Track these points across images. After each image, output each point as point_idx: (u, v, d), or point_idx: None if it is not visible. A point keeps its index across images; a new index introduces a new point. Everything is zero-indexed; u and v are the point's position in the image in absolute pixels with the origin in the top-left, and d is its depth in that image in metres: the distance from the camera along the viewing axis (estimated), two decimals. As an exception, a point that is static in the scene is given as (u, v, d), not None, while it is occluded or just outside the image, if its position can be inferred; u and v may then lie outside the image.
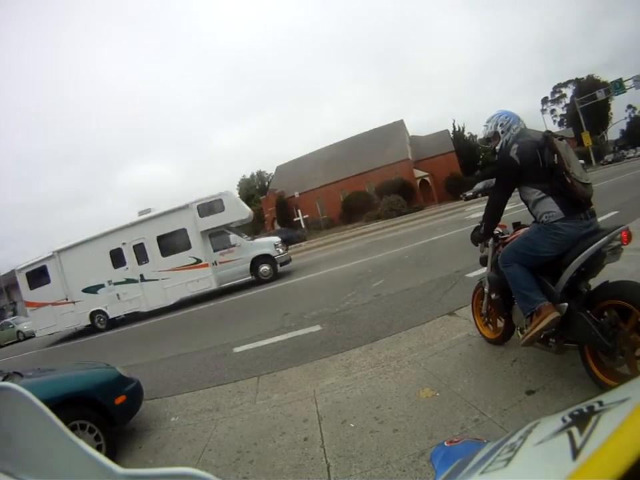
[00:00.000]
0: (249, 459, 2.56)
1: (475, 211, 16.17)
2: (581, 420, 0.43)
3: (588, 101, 38.07)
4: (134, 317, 11.93)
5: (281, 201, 40.60)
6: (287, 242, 16.70)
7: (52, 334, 12.62)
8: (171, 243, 11.62)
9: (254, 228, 46.74)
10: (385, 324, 4.63)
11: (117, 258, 11.72)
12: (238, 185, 63.64)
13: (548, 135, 2.39)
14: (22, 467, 0.68)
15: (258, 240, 13.33)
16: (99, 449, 2.82)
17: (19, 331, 21.37)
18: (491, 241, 2.98)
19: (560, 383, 2.47)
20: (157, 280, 11.51)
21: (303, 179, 40.42)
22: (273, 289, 9.98)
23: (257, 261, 11.59)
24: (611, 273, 2.39)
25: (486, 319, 3.31)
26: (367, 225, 30.68)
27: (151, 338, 8.18)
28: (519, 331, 2.73)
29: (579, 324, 2.18)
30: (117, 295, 11.77)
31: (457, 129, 41.14)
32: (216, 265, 11.52)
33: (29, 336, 19.31)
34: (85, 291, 11.96)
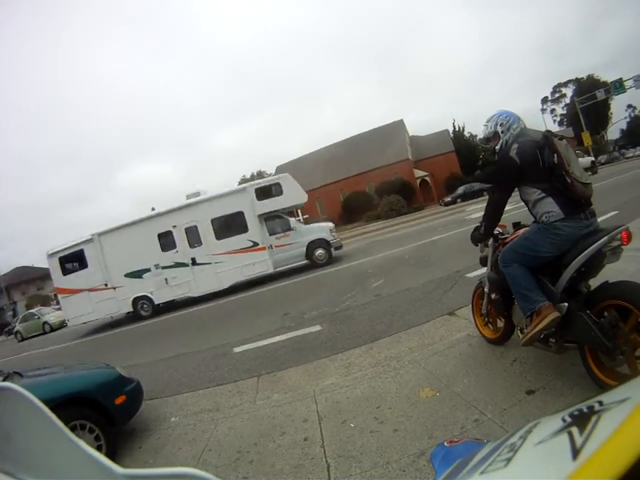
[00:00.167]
0: (249, 459, 2.56)
1: (475, 211, 16.16)
2: (581, 420, 0.43)
3: (588, 101, 38.02)
4: (172, 306, 11.85)
5: (281, 201, 40.54)
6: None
7: (85, 323, 12.17)
8: (227, 226, 11.44)
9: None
10: (385, 324, 4.63)
11: (166, 241, 11.39)
12: (238, 185, 63.55)
13: (548, 135, 2.39)
14: (22, 467, 0.68)
15: (313, 225, 13.45)
16: (99, 449, 2.82)
17: (45, 322, 19.74)
18: (490, 241, 2.98)
19: (560, 382, 2.47)
20: (210, 264, 11.24)
21: (302, 178, 40.29)
22: (273, 289, 9.98)
23: (311, 245, 11.59)
24: (611, 273, 2.39)
25: (486, 318, 3.31)
26: (367, 224, 30.65)
27: (151, 338, 8.17)
28: (518, 331, 2.74)
29: (579, 324, 2.18)
30: (165, 279, 11.42)
31: (457, 129, 41.11)
32: (272, 248, 11.42)
33: (57, 327, 18.47)
34: (128, 275, 11.54)
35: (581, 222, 2.27)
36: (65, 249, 11.98)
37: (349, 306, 5.96)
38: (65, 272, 11.98)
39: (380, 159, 37.45)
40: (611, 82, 35.74)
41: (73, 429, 2.72)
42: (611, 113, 54.31)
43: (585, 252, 2.19)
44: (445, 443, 0.90)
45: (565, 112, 59.84)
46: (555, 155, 2.27)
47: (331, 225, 12.74)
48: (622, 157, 40.16)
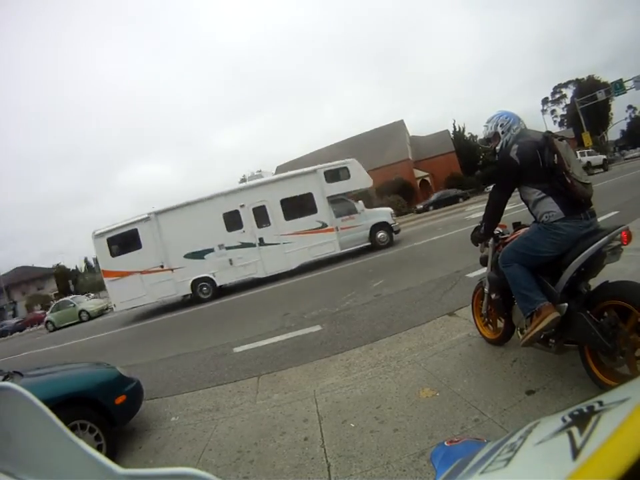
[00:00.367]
0: (250, 459, 2.56)
1: (475, 211, 16.17)
2: (581, 420, 0.43)
3: (588, 102, 38.03)
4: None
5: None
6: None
7: (134, 307, 11.73)
8: (296, 207, 11.39)
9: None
10: (385, 324, 4.63)
11: (232, 221, 11.12)
12: (238, 185, 63.43)
13: (548, 135, 2.39)
14: (22, 467, 0.68)
15: (375, 209, 13.66)
16: (99, 448, 2.82)
17: (82, 311, 18.62)
18: (491, 241, 2.98)
19: (560, 383, 2.47)
20: (278, 244, 11.12)
21: (303, 178, 40.22)
22: (273, 289, 9.98)
23: (374, 228, 11.85)
24: (611, 273, 2.39)
25: (486, 319, 3.30)
26: (367, 224, 30.62)
27: (151, 338, 8.17)
28: (518, 331, 2.73)
29: (578, 324, 2.18)
30: (230, 260, 11.12)
31: (457, 129, 41.09)
32: (338, 230, 11.55)
33: (95, 315, 17.80)
34: (188, 256, 11.11)
35: (581, 222, 2.28)
36: (115, 228, 11.44)
37: (349, 306, 5.96)
38: (114, 253, 11.39)
39: (380, 159, 37.42)
40: (611, 83, 35.77)
41: (73, 429, 2.72)
42: (611, 114, 54.33)
43: (585, 252, 2.19)
44: (445, 443, 0.90)
45: (565, 113, 59.84)
46: (555, 155, 2.27)
47: (390, 209, 13.10)
48: (622, 158, 40.19)
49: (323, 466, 2.28)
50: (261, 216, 11.23)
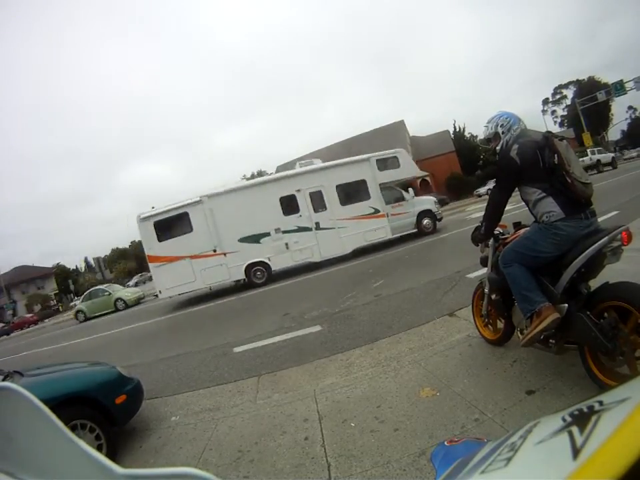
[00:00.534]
0: (250, 458, 2.56)
1: (475, 210, 16.17)
2: (581, 419, 0.43)
3: (589, 102, 38.01)
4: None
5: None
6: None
7: (181, 294, 11.38)
8: (351, 193, 11.65)
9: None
10: (385, 324, 4.63)
11: (289, 205, 11.17)
12: (238, 185, 63.38)
13: (548, 135, 2.39)
14: (22, 467, 0.68)
15: (421, 197, 14.07)
16: (99, 448, 2.83)
17: (118, 299, 17.62)
18: (491, 241, 2.98)
19: (560, 383, 2.47)
20: (334, 228, 11.28)
21: (303, 178, 40.18)
22: (273, 289, 9.98)
23: (420, 215, 12.40)
24: (611, 273, 2.39)
25: (486, 319, 3.30)
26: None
27: (151, 337, 8.17)
28: (519, 332, 2.73)
29: (579, 325, 2.18)
30: (286, 244, 11.11)
31: (457, 129, 41.08)
32: (388, 216, 11.92)
33: (132, 304, 17.12)
34: (243, 240, 10.95)
35: (581, 222, 2.27)
36: (162, 212, 11.07)
37: (349, 306, 5.96)
38: (162, 237, 10.94)
39: (380, 159, 37.41)
40: (612, 83, 35.73)
41: (73, 429, 2.72)
42: (612, 114, 54.34)
43: (585, 252, 2.19)
44: (446, 443, 0.90)
45: (565, 113, 59.85)
46: (556, 155, 2.27)
47: (434, 198, 13.77)
48: (621, 157, 40.23)
49: (323, 465, 2.28)
50: (317, 201, 11.39)
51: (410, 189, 12.85)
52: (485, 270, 3.17)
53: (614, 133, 58.47)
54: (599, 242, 2.17)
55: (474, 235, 2.97)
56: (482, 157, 38.46)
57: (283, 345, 4.89)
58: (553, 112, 62.53)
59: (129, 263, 55.02)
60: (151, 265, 11.24)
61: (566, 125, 57.93)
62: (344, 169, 11.80)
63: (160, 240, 10.94)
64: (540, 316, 2.29)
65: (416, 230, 12.37)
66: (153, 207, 11.74)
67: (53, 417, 0.64)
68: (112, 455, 2.85)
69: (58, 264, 62.78)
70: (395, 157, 12.35)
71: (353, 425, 2.63)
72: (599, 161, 26.19)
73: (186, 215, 10.97)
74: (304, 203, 11.27)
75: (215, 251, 10.90)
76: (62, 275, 57.43)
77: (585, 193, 2.27)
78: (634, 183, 13.30)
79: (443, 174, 36.82)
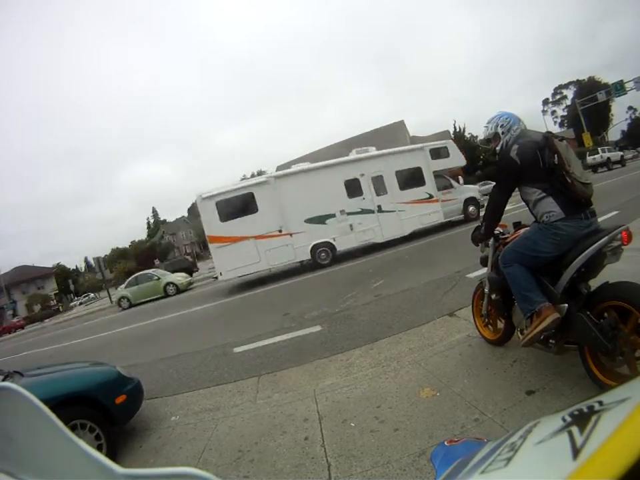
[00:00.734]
0: (250, 458, 2.56)
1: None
2: (581, 419, 0.43)
3: (589, 103, 38.03)
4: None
5: (282, 200, 40.47)
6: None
7: (243, 276, 11.38)
8: (408, 178, 12.21)
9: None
10: (385, 324, 4.63)
11: (353, 188, 11.56)
12: (238, 185, 63.39)
13: (548, 136, 2.39)
14: (22, 467, 0.68)
15: (467, 185, 14.84)
16: (99, 448, 2.83)
17: (169, 284, 16.68)
18: (491, 241, 2.98)
19: (560, 383, 2.47)
20: (394, 212, 11.79)
21: (304, 178, 40.15)
22: (273, 289, 9.98)
23: (466, 202, 13.17)
24: (611, 273, 2.39)
25: (486, 319, 3.30)
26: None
27: (151, 337, 8.17)
28: (519, 332, 2.73)
29: (578, 325, 2.18)
30: (350, 225, 11.46)
31: (457, 129, 41.08)
32: (440, 202, 12.58)
33: (184, 289, 16.49)
34: (309, 221, 11.14)
35: (581, 222, 2.27)
36: (226, 192, 11.00)
37: (349, 306, 5.96)
38: (225, 217, 10.82)
39: (380, 159, 37.41)
40: (612, 84, 35.77)
41: (73, 428, 2.72)
42: (612, 115, 54.42)
43: (585, 252, 2.19)
44: (445, 443, 0.90)
45: (565, 113, 59.91)
46: (555, 155, 2.27)
47: (477, 187, 14.76)
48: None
49: (323, 465, 2.28)
50: (379, 185, 11.86)
51: (459, 177, 13.75)
52: (484, 270, 3.17)
53: (614, 133, 58.52)
54: (599, 242, 2.17)
55: (474, 234, 2.98)
56: (482, 157, 38.42)
57: (283, 345, 4.89)
58: (553, 112, 62.69)
59: (128, 262, 55.04)
60: (211, 246, 11.11)
61: (566, 125, 58.00)
62: (402, 156, 12.43)
63: (223, 220, 10.86)
64: (540, 316, 2.29)
65: (462, 216, 13.03)
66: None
67: (53, 416, 0.64)
68: (112, 455, 2.85)
69: (58, 264, 62.88)
70: (446, 147, 13.13)
71: (353, 425, 2.63)
72: (609, 159, 27.27)
73: (251, 195, 11.03)
74: (367, 186, 11.72)
75: (280, 231, 10.99)
76: (62, 274, 57.52)
77: (585, 193, 2.27)
78: (633, 183, 13.30)
79: (443, 174, 36.83)
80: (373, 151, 12.56)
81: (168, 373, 4.97)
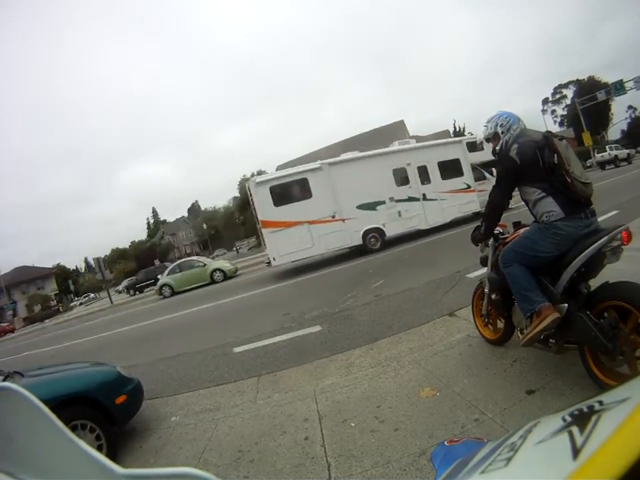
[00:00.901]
0: (250, 458, 2.56)
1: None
2: (582, 419, 0.43)
3: (588, 102, 38.03)
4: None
5: (282, 200, 40.49)
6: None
7: (295, 261, 11.58)
8: (449, 169, 12.76)
9: (254, 227, 46.70)
10: (385, 324, 4.63)
11: (400, 176, 12.07)
12: (238, 185, 63.55)
13: (548, 135, 2.39)
14: (22, 467, 0.68)
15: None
16: (99, 448, 2.82)
17: (216, 270, 16.39)
18: (491, 241, 2.98)
19: (560, 382, 2.47)
20: (437, 200, 12.30)
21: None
22: (273, 289, 9.98)
23: None
24: (611, 273, 2.39)
25: (486, 319, 3.30)
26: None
27: (151, 337, 8.17)
28: (518, 332, 2.73)
29: (578, 325, 2.18)
30: (398, 212, 11.94)
31: (457, 129, 41.15)
32: (475, 192, 13.06)
33: (231, 276, 16.22)
34: (361, 207, 11.52)
35: (581, 221, 2.27)
36: (279, 177, 11.34)
37: (349, 306, 5.95)
38: (279, 202, 10.99)
39: (380, 159, 37.39)
40: (612, 83, 35.73)
41: (73, 429, 2.72)
42: (612, 114, 54.39)
43: (585, 252, 2.18)
44: (446, 443, 0.90)
45: (565, 113, 59.88)
46: (555, 154, 2.27)
47: None
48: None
49: (323, 465, 2.28)
50: (423, 174, 12.38)
51: (493, 169, 13.92)
52: (484, 270, 3.17)
53: (614, 132, 58.41)
54: (599, 241, 2.17)
55: (474, 234, 2.97)
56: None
57: (283, 345, 4.88)
58: (553, 111, 62.63)
59: (128, 263, 55.06)
60: (264, 231, 11.16)
61: (566, 124, 57.98)
62: (442, 148, 13.07)
63: (276, 205, 11.01)
64: (540, 316, 2.29)
65: None
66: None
67: (53, 417, 0.64)
68: (112, 455, 2.85)
69: (58, 264, 62.88)
70: (482, 142, 13.56)
71: (353, 424, 2.63)
72: (616, 156, 28.31)
73: (305, 181, 11.27)
74: (413, 175, 12.23)
75: (333, 216, 11.24)
76: (62, 275, 57.53)
77: (585, 192, 2.27)
78: (633, 182, 13.30)
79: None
80: (412, 143, 13.18)
81: (168, 373, 4.97)
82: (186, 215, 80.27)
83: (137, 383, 3.48)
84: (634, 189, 10.88)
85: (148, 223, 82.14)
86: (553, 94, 61.62)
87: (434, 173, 12.52)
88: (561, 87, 60.36)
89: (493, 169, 14.04)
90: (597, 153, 29.36)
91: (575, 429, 0.41)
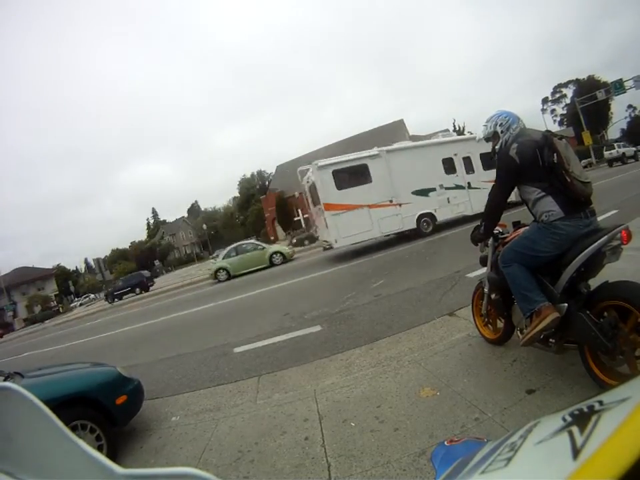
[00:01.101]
0: (250, 459, 2.56)
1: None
2: (582, 419, 0.43)
3: (588, 101, 38.05)
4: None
5: (281, 200, 40.55)
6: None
7: (356, 244, 11.99)
8: (488, 161, 12.87)
9: (254, 227, 46.73)
10: (385, 324, 4.63)
11: (449, 165, 12.72)
12: (238, 185, 63.59)
13: (547, 134, 2.39)
14: (22, 467, 0.68)
15: None
16: (100, 449, 2.83)
17: (276, 253, 16.59)
18: (490, 241, 2.98)
19: (560, 382, 2.47)
20: (479, 189, 12.44)
21: (304, 178, 40.23)
22: (273, 289, 9.98)
23: None
24: (610, 273, 2.39)
25: (486, 319, 3.30)
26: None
27: (151, 338, 8.17)
28: (518, 331, 2.73)
29: (578, 324, 2.18)
30: (447, 198, 12.56)
31: (457, 129, 41.14)
32: None
33: (289, 259, 16.57)
34: (415, 193, 12.10)
35: (580, 221, 2.27)
36: (341, 162, 11.78)
37: (349, 306, 5.95)
38: (341, 186, 11.48)
39: (380, 159, 37.38)
40: (611, 82, 35.76)
41: (73, 429, 2.72)
42: (611, 113, 54.37)
43: (585, 251, 2.18)
44: (446, 442, 0.90)
45: (565, 112, 59.87)
46: (555, 154, 2.27)
47: None
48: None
49: (324, 465, 2.28)
50: (468, 164, 12.99)
51: None
52: (484, 269, 3.17)
53: (613, 131, 58.36)
54: (599, 241, 2.17)
55: (473, 234, 2.97)
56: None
57: (283, 345, 4.89)
58: (553, 111, 62.58)
59: (129, 263, 55.06)
60: (327, 213, 11.45)
61: (565, 123, 58.01)
62: (483, 140, 13.61)
63: (339, 188, 11.46)
64: (540, 315, 2.29)
65: (520, 200, 14.73)
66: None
67: (53, 417, 0.64)
68: (112, 455, 2.85)
69: (58, 265, 62.87)
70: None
71: (353, 424, 2.63)
72: (623, 153, 28.80)
73: (365, 166, 11.80)
74: (459, 165, 12.86)
75: (391, 201, 11.82)
76: (62, 276, 57.51)
77: (585, 191, 2.27)
78: (632, 182, 13.31)
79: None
80: (454, 136, 13.69)
81: (168, 373, 4.97)
82: (186, 215, 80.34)
83: (137, 383, 3.48)
84: (633, 188, 10.88)
85: (148, 223, 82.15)
86: (553, 93, 61.63)
87: (477, 163, 13.02)
88: (560, 86, 60.36)
89: None
90: (606, 150, 30.19)
91: (575, 429, 0.41)
